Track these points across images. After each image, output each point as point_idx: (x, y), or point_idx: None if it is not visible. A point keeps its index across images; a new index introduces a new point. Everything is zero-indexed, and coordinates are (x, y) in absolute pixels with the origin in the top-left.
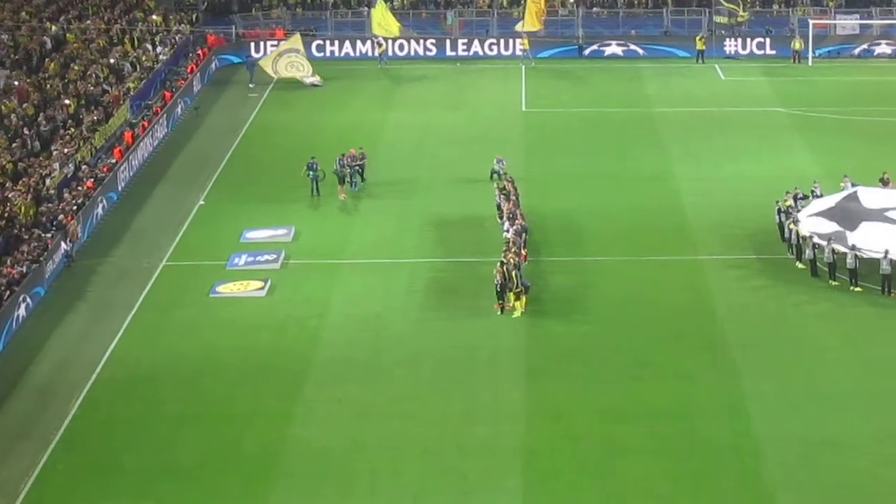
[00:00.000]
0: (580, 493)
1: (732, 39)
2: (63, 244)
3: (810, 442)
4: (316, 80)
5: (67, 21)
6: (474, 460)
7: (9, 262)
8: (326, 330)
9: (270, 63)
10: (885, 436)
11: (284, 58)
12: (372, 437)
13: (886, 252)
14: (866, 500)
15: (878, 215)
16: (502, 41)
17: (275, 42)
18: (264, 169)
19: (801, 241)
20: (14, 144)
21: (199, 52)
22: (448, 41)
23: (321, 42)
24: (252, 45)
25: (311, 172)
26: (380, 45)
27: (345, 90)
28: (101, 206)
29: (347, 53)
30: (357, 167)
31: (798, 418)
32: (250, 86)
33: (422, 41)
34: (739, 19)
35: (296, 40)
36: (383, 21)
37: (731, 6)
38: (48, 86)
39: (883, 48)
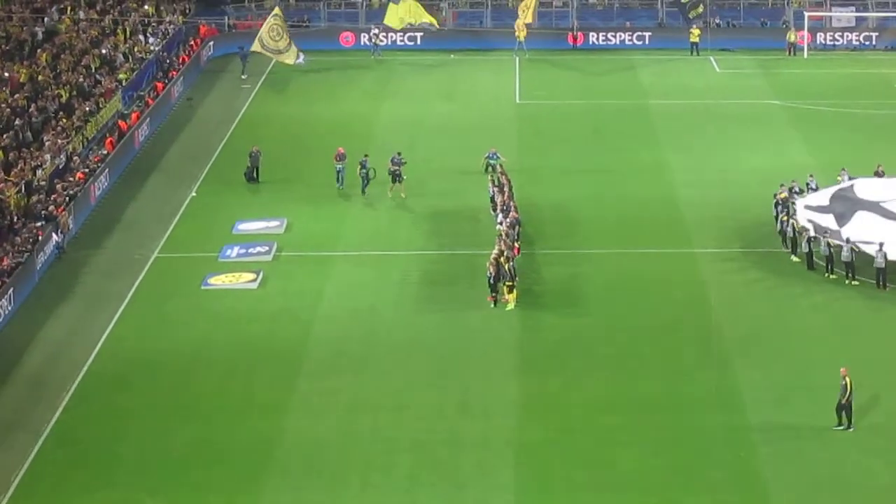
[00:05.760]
0: (573, 486)
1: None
2: (54, 235)
3: (801, 434)
4: (300, 59)
5: (60, 11)
6: (467, 453)
7: None
8: (319, 322)
9: (259, 42)
10: (876, 428)
11: (266, 27)
12: (364, 429)
13: (881, 245)
14: (856, 492)
15: (874, 207)
16: (496, 33)
17: None
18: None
19: (796, 233)
20: (5, 135)
21: (192, 42)
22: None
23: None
24: (244, 35)
25: (363, 170)
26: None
27: (338, 81)
28: (92, 197)
29: (340, 44)
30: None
31: (790, 410)
32: (243, 77)
33: (416, 32)
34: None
35: (276, 11)
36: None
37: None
38: (40, 76)
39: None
